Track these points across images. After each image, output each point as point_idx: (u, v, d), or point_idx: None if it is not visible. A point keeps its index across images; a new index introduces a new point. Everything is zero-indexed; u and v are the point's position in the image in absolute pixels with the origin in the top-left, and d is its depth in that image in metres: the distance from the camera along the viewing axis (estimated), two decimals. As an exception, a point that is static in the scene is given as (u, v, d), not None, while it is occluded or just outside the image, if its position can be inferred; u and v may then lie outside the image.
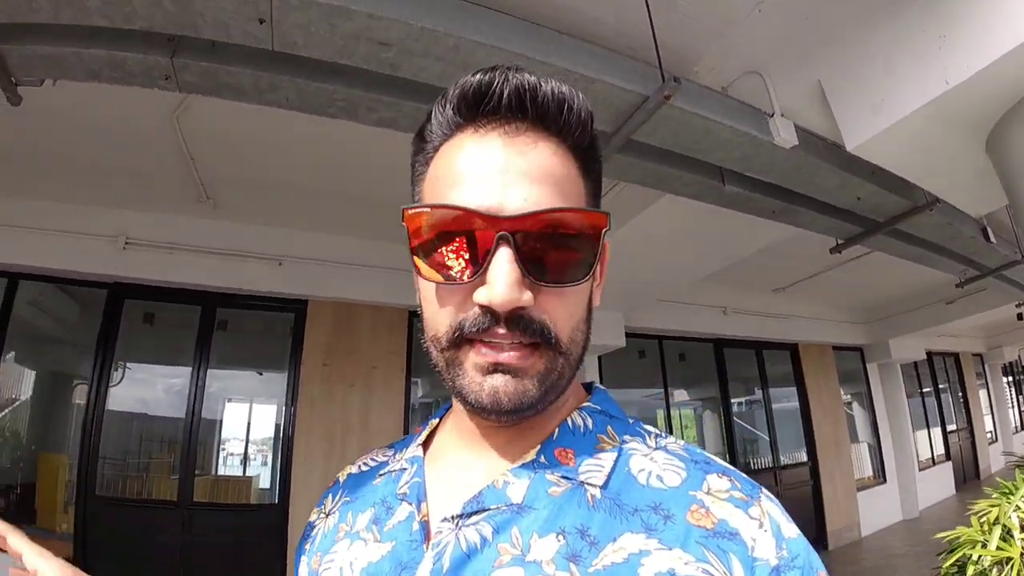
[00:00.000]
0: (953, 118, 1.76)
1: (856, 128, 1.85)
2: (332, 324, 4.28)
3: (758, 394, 6.22)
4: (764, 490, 0.41)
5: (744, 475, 0.43)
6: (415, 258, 0.42)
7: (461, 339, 0.40)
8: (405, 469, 0.49)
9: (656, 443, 0.45)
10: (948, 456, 8.47)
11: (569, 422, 0.45)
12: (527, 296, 0.38)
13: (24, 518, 3.46)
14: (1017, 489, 1.95)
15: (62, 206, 3.69)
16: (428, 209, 0.40)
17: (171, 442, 3.99)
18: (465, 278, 0.40)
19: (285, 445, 3.96)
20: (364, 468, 0.56)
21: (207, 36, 1.50)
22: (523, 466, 0.43)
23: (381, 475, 0.52)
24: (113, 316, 3.96)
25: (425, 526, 0.43)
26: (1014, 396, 11.45)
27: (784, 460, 6.10)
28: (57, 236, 3.67)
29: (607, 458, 0.43)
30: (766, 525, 0.38)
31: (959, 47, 1.54)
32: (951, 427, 8.82)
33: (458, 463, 0.47)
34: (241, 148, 3.07)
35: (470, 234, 0.39)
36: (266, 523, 3.81)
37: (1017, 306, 5.80)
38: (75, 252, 3.72)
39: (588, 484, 0.41)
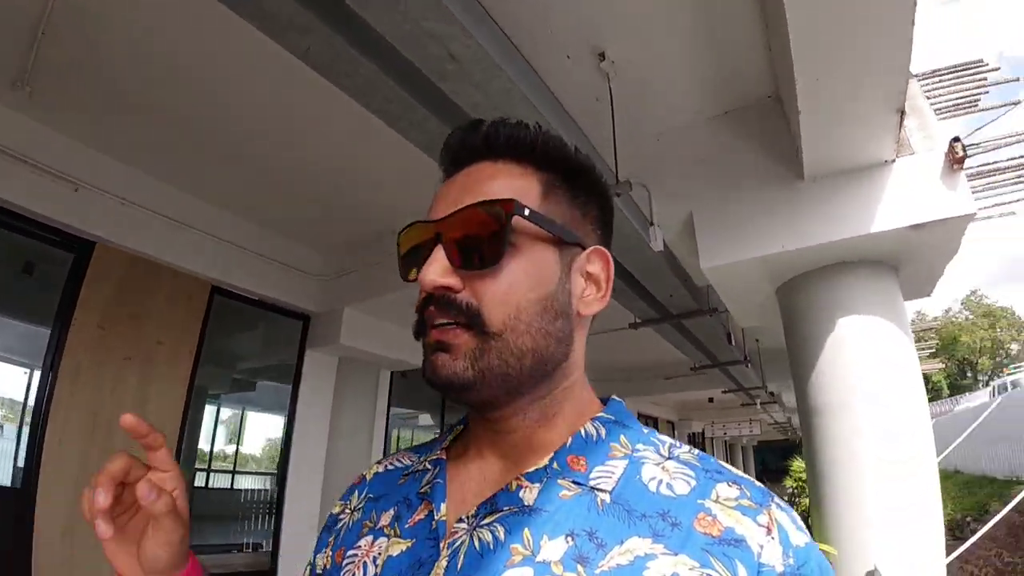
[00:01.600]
0: (766, 269, 2.71)
1: (710, 254, 2.64)
2: (119, 279, 3.54)
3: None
4: (776, 498, 0.43)
5: (757, 484, 0.44)
6: (400, 265, 0.51)
7: (422, 325, 0.47)
8: (428, 471, 0.53)
9: (669, 452, 0.47)
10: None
11: (583, 432, 0.48)
12: (447, 279, 0.45)
13: None
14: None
15: None
16: (402, 230, 0.51)
17: None
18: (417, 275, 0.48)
19: (37, 418, 3.11)
20: (390, 468, 0.60)
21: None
22: (536, 471, 0.46)
23: (406, 476, 0.56)
24: None
25: (444, 525, 0.46)
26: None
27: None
28: None
29: (618, 465, 0.45)
30: (774, 532, 0.39)
31: (777, 233, 2.51)
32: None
33: (476, 467, 0.51)
34: (105, 34, 2.48)
35: (419, 240, 0.49)
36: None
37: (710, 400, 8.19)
38: None
39: (598, 489, 0.43)
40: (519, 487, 0.45)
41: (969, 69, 2.46)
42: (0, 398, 3.44)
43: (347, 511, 0.58)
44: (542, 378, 0.48)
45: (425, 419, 6.68)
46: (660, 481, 0.44)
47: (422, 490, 0.51)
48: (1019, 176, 2.36)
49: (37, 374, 3.20)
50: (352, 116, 2.47)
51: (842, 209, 2.36)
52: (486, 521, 0.44)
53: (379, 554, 0.48)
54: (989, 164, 2.39)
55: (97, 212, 3.34)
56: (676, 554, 0.39)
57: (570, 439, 0.48)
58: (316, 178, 3.59)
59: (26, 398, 3.21)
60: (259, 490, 4.76)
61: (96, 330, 3.39)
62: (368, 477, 0.61)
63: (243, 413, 4.63)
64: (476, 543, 0.43)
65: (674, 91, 2.63)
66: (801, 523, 0.42)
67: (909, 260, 2.56)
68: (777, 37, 2.19)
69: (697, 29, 2.26)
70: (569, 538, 0.41)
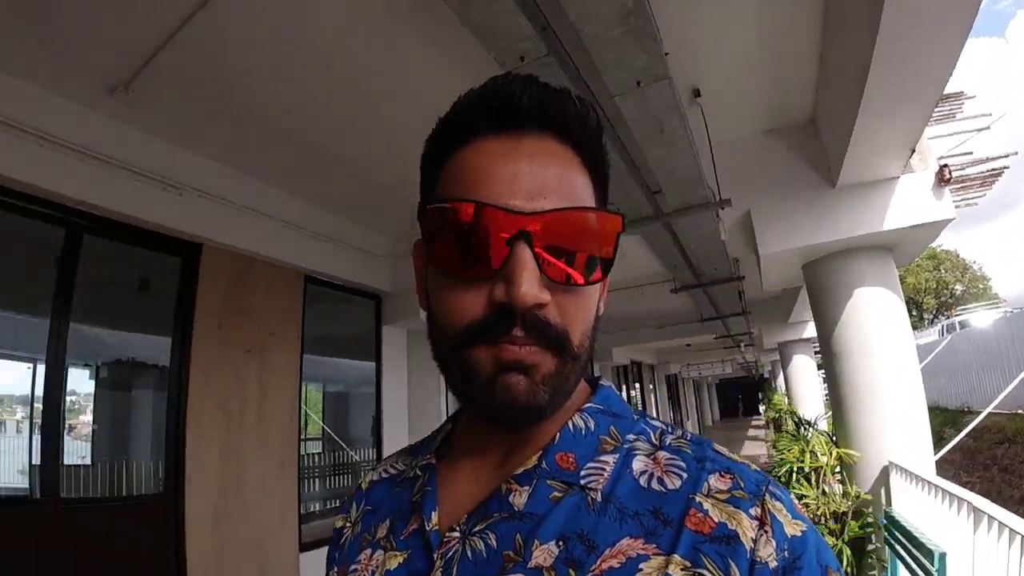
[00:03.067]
0: (800, 253, 3.64)
1: (766, 244, 3.52)
2: (228, 277, 3.95)
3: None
4: (771, 484, 0.42)
5: (750, 470, 0.43)
6: (432, 256, 0.44)
7: (476, 338, 0.41)
8: (419, 477, 0.52)
9: (660, 440, 0.46)
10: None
11: (570, 425, 0.47)
12: (546, 294, 0.40)
13: None
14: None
15: None
16: (448, 205, 0.42)
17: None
18: (484, 276, 0.41)
19: (172, 422, 3.50)
20: (384, 476, 0.58)
21: (585, 46, 1.79)
22: (525, 472, 0.44)
23: (399, 484, 0.55)
24: None
25: (436, 535, 0.45)
26: (667, 399, 17.38)
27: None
28: None
29: (608, 461, 0.45)
30: (767, 525, 0.38)
31: (814, 227, 3.42)
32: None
33: (466, 471, 0.50)
34: (216, 45, 2.71)
35: (489, 231, 0.40)
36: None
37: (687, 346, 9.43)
38: None
39: (589, 488, 0.43)
40: (509, 491, 0.44)
41: (951, 98, 3.39)
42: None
43: (348, 524, 0.58)
44: None
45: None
46: (651, 475, 0.43)
47: (414, 499, 0.50)
48: (983, 183, 3.36)
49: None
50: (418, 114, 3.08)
51: (862, 212, 3.29)
52: (477, 528, 0.44)
53: (377, 568, 0.48)
54: (962, 173, 3.37)
55: (202, 214, 3.60)
56: (668, 554, 0.38)
57: (558, 434, 0.46)
58: (382, 167, 3.92)
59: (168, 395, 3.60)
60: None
61: (216, 329, 3.81)
62: (364, 487, 0.60)
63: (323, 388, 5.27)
64: (469, 552, 0.43)
65: (736, 110, 3.41)
66: (798, 508, 0.41)
67: (902, 245, 3.56)
68: (826, 84, 3.01)
69: (765, 64, 2.99)
70: (560, 542, 0.41)
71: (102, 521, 3.16)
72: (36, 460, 2.91)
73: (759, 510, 0.39)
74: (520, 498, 0.43)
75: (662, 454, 0.45)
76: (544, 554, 0.40)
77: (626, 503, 0.42)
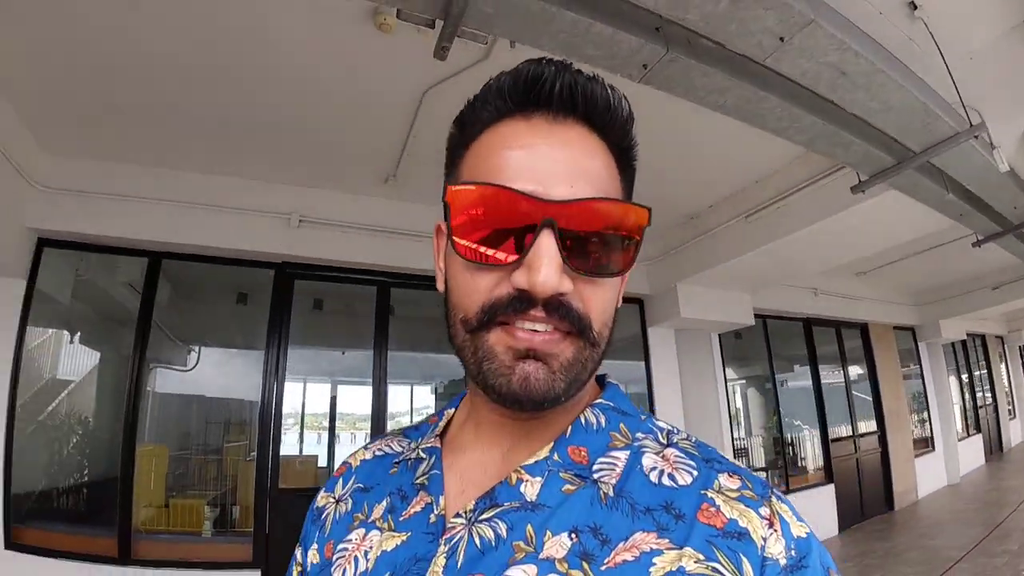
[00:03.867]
0: None
1: None
2: None
3: (828, 370, 7.18)
4: (775, 490, 0.43)
5: (754, 475, 0.44)
6: (454, 236, 0.43)
7: (492, 321, 0.42)
8: (423, 459, 0.51)
9: (668, 440, 0.48)
10: (979, 429, 9.90)
11: (582, 419, 0.47)
12: (567, 283, 0.40)
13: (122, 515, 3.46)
14: None
15: (226, 179, 3.96)
16: (473, 187, 0.42)
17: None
18: (506, 260, 0.41)
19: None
20: (378, 454, 0.58)
21: (701, 31, 1.74)
22: (537, 463, 0.45)
23: (397, 464, 0.54)
24: (284, 296, 4.26)
25: (442, 520, 0.45)
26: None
27: (861, 429, 7.18)
28: (222, 212, 3.93)
29: (620, 456, 0.45)
30: (776, 525, 0.40)
31: None
32: (980, 402, 10.27)
33: (474, 457, 0.49)
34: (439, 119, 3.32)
35: (514, 216, 0.40)
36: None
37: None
38: (243, 229, 4.00)
39: (601, 483, 0.43)
40: (520, 480, 0.44)
41: None
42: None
43: (331, 502, 0.57)
44: None
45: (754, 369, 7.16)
46: (662, 472, 0.44)
47: (418, 481, 0.50)
48: None
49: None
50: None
51: None
52: (485, 516, 0.44)
53: (371, 548, 0.47)
54: None
55: None
56: (681, 547, 0.39)
57: (570, 427, 0.47)
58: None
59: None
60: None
61: None
62: (354, 465, 0.59)
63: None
64: (476, 539, 0.43)
65: (976, 8, 2.63)
66: (799, 514, 0.42)
67: None
68: None
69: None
70: (573, 534, 0.41)
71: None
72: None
73: (768, 510, 0.41)
74: (532, 488, 0.44)
75: (671, 452, 0.46)
76: (556, 545, 0.40)
77: (638, 498, 0.43)
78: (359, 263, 4.31)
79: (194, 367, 4.26)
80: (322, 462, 4.36)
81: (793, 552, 0.39)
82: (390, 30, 2.38)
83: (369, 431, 4.22)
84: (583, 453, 0.46)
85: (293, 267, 4.30)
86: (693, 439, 0.49)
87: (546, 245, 0.40)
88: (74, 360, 4.13)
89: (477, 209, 0.42)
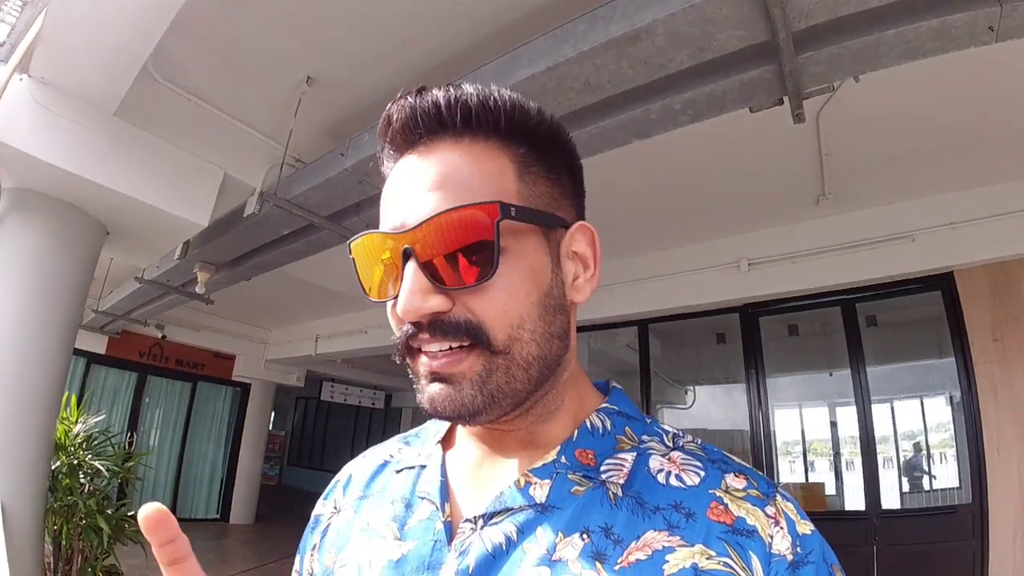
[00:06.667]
0: None
1: None
2: (989, 291, 4.03)
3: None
4: (780, 488, 0.46)
5: (760, 474, 0.47)
6: (362, 284, 0.47)
7: (407, 349, 0.45)
8: (425, 466, 0.52)
9: (674, 443, 0.49)
10: None
11: (588, 424, 0.49)
12: (433, 302, 0.42)
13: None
14: None
15: (681, 250, 4.87)
16: (359, 240, 0.46)
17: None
18: (392, 295, 0.45)
19: (972, 439, 3.87)
20: (379, 463, 0.58)
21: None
22: (545, 466, 0.46)
23: (399, 472, 0.54)
24: (753, 335, 4.81)
25: (449, 526, 0.46)
26: None
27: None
28: (683, 276, 4.85)
29: (627, 458, 0.47)
30: (782, 523, 0.42)
31: None
32: None
33: (479, 463, 0.50)
34: (872, 129, 3.32)
35: (388, 255, 0.44)
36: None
37: None
38: (703, 286, 4.80)
39: (609, 483, 0.45)
40: (528, 483, 0.46)
41: None
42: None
43: (331, 511, 0.57)
44: (546, 379, 0.47)
45: None
46: (669, 473, 0.46)
47: (422, 488, 0.50)
48: None
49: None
50: None
51: None
52: (495, 521, 0.44)
53: (376, 557, 0.47)
54: None
55: (939, 248, 4.00)
56: (693, 544, 0.41)
57: (576, 432, 0.49)
58: None
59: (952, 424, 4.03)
60: None
61: (992, 343, 3.93)
62: (354, 472, 0.60)
63: None
64: (487, 544, 0.43)
65: None
66: (803, 512, 0.45)
67: None
68: None
69: None
70: (585, 535, 0.42)
71: (914, 529, 3.94)
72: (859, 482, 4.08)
73: (773, 509, 0.43)
74: (540, 491, 0.45)
75: (676, 454, 0.48)
76: (568, 547, 0.41)
77: (647, 498, 0.44)
78: (815, 288, 4.48)
79: (692, 404, 5.23)
80: (830, 489, 4.50)
81: (799, 548, 0.41)
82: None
83: (859, 454, 4.17)
84: (590, 455, 0.47)
85: (754, 306, 4.87)
86: (699, 441, 0.50)
87: (407, 274, 0.42)
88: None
89: (366, 257, 0.46)
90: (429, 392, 0.45)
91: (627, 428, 0.50)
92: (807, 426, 4.84)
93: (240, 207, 3.66)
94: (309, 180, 3.17)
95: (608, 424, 0.50)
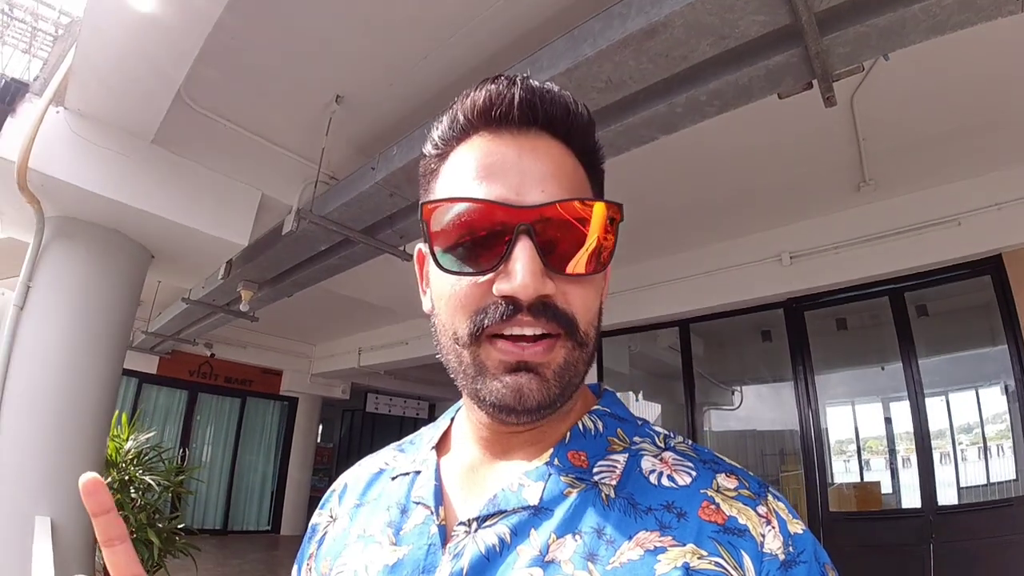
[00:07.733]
0: None
1: None
2: None
3: None
4: (771, 488, 0.46)
5: (751, 474, 0.47)
6: (434, 253, 0.45)
7: (482, 334, 0.43)
8: (419, 472, 0.53)
9: (665, 443, 0.50)
10: None
11: (580, 426, 0.50)
12: (549, 285, 0.42)
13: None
14: None
15: (720, 246, 4.77)
16: (449, 203, 0.44)
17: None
18: (486, 270, 0.43)
19: None
20: (375, 470, 0.59)
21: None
22: (537, 468, 0.47)
23: (394, 478, 0.55)
24: (798, 330, 4.64)
25: (444, 530, 0.46)
26: None
27: None
28: (724, 273, 4.72)
29: (619, 460, 0.48)
30: (773, 522, 0.42)
31: None
32: None
33: (472, 467, 0.51)
34: (909, 110, 3.20)
35: (490, 226, 0.43)
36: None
37: None
38: (744, 282, 4.67)
39: (602, 485, 0.45)
40: (521, 486, 0.46)
41: None
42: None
43: (327, 519, 0.58)
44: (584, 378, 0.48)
45: None
46: (661, 473, 0.46)
47: (416, 493, 0.51)
48: None
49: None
50: None
51: None
52: (488, 523, 0.45)
53: (372, 562, 0.48)
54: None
55: (987, 230, 3.81)
56: (685, 544, 0.41)
57: (568, 434, 0.49)
58: None
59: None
60: None
61: None
62: (349, 482, 0.60)
63: None
64: (481, 547, 0.44)
65: None
66: (795, 512, 0.45)
67: None
68: None
69: None
70: (577, 536, 0.42)
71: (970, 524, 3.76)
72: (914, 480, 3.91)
73: (765, 508, 0.43)
74: (533, 493, 0.45)
75: (668, 455, 0.48)
76: (561, 548, 0.42)
77: (639, 499, 0.44)
78: (860, 279, 4.31)
79: (739, 405, 5.12)
80: (886, 488, 4.33)
81: (791, 548, 0.41)
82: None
83: (915, 451, 3.99)
84: (583, 457, 0.47)
85: (798, 301, 4.70)
86: (690, 443, 0.51)
87: (524, 250, 0.42)
88: (640, 414, 6.23)
89: (454, 224, 0.44)
90: (514, 383, 0.43)
91: (619, 430, 0.51)
92: (860, 423, 4.66)
93: (278, 226, 3.80)
94: (342, 196, 3.27)
95: (600, 426, 0.51)
